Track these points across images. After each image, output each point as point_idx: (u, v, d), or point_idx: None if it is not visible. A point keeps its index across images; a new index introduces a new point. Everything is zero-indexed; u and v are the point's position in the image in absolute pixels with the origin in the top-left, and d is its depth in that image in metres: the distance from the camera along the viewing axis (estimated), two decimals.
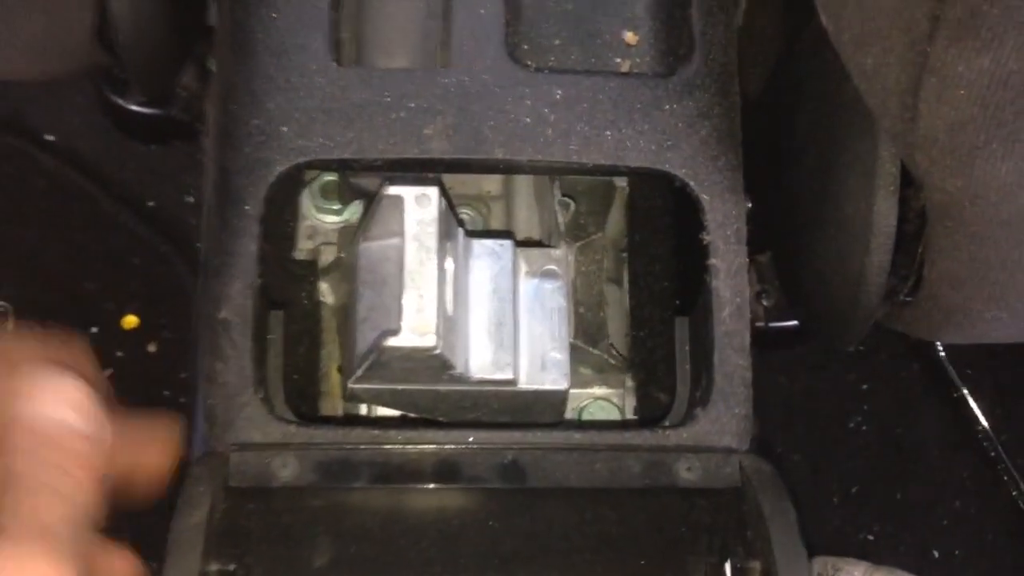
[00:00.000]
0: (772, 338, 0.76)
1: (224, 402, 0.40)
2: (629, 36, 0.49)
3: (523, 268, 0.46)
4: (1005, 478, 0.77)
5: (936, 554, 0.76)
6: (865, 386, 0.79)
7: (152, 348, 0.78)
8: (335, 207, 0.52)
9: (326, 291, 0.51)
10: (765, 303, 0.72)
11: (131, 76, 0.53)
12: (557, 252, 0.46)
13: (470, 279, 0.43)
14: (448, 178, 0.53)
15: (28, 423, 0.34)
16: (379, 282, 0.39)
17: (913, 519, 0.77)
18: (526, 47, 0.47)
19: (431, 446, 0.40)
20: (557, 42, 0.47)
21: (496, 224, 0.55)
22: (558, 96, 0.44)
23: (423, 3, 0.46)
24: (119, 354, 0.78)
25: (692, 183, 0.44)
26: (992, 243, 0.39)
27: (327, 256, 0.51)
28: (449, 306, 0.39)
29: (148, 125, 0.79)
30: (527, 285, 0.45)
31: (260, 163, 0.43)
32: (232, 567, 0.37)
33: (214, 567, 0.36)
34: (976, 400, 0.78)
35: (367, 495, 0.40)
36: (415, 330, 0.36)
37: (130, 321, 0.78)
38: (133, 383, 0.76)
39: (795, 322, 0.75)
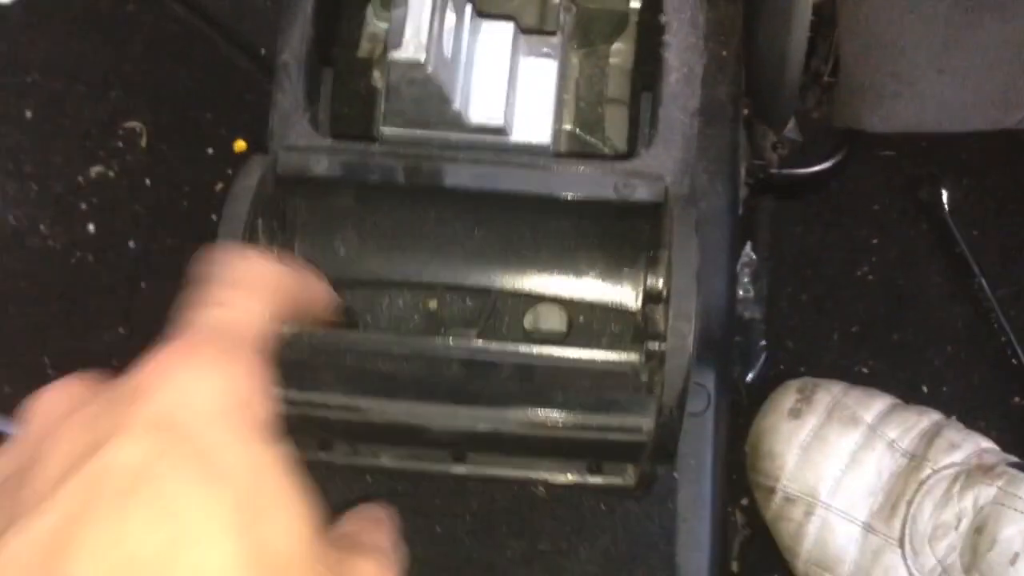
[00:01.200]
0: (785, 185, 0.85)
1: (280, 120, 0.53)
2: None
3: (523, 47, 0.57)
4: (996, 328, 0.84)
5: (925, 389, 0.84)
6: (875, 241, 0.87)
7: None
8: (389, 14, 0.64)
9: (378, 78, 0.64)
10: (779, 152, 0.81)
11: None
12: (554, 39, 0.57)
13: (475, 47, 0.55)
14: (496, 5, 0.64)
15: None
16: (397, 37, 0.51)
17: (906, 358, 0.85)
18: None
19: (438, 162, 0.52)
20: None
21: None
22: None
23: None
24: (230, 171, 0.93)
25: None
26: (887, 21, 0.48)
27: (379, 53, 0.63)
28: (447, 48, 0.50)
29: None
30: (525, 62, 0.56)
31: None
32: (273, 223, 0.50)
33: (260, 221, 0.49)
34: (977, 258, 0.85)
35: (380, 192, 0.52)
36: (409, 45, 0.48)
37: (240, 145, 0.93)
38: None
39: (806, 170, 0.84)
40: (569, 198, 0.51)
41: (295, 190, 0.52)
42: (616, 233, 0.52)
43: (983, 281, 0.85)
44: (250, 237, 0.49)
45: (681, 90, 0.54)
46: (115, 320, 0.91)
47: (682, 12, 0.54)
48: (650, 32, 0.61)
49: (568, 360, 0.50)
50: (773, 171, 0.82)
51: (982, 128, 0.54)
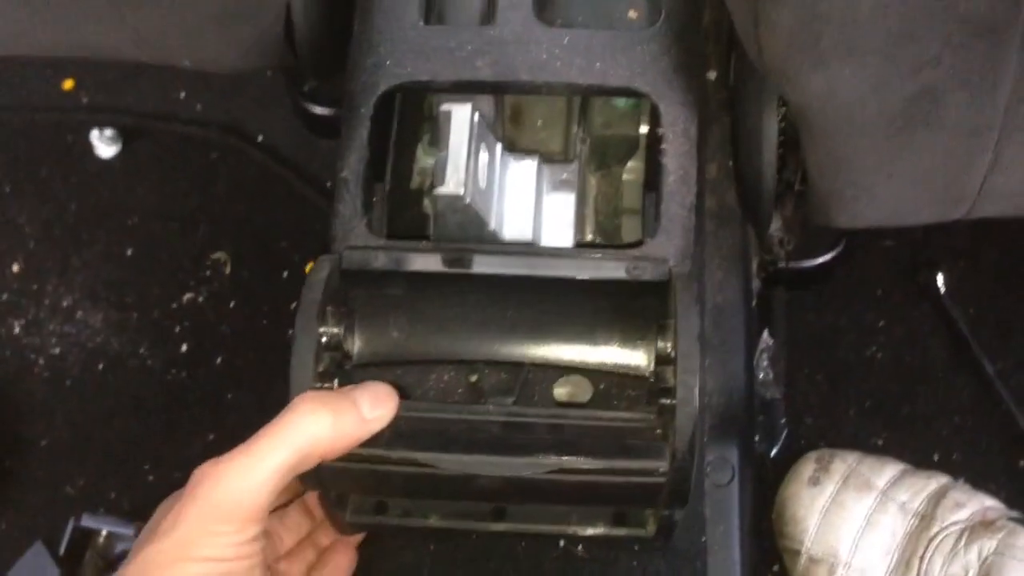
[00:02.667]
0: (795, 276, 0.95)
1: (341, 226, 0.63)
2: (632, 13, 0.70)
3: (546, 174, 0.69)
4: (999, 398, 0.92)
5: (936, 457, 0.92)
6: (881, 323, 0.96)
7: None
8: (435, 151, 0.76)
9: (428, 206, 0.75)
10: (786, 248, 0.92)
11: (305, 67, 0.79)
12: (572, 166, 0.69)
13: (506, 178, 0.66)
14: (525, 138, 0.76)
15: None
16: (441, 176, 0.62)
17: (917, 429, 0.93)
18: (554, 17, 0.68)
19: (475, 253, 0.60)
20: (580, 18, 0.69)
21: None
22: (566, 41, 0.66)
23: None
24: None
25: (653, 96, 0.64)
26: (838, 139, 0.58)
27: (429, 183, 0.75)
28: (481, 181, 0.62)
29: (329, 125, 1.07)
30: (549, 185, 0.68)
31: (372, 84, 0.67)
32: (341, 308, 0.59)
33: (329, 308, 0.57)
34: (975, 334, 0.94)
35: (427, 282, 0.60)
36: (450, 182, 0.59)
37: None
38: None
39: (812, 262, 0.94)
40: (587, 280, 0.60)
41: (356, 282, 0.61)
42: (630, 310, 0.60)
43: (982, 355, 0.93)
44: (322, 320, 0.57)
45: (678, 189, 0.63)
46: (205, 429, 1.03)
47: (676, 125, 0.64)
48: (652, 143, 0.71)
49: (592, 419, 0.58)
50: (782, 264, 0.93)
51: (934, 221, 0.64)
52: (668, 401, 0.55)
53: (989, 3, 0.51)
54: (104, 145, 1.11)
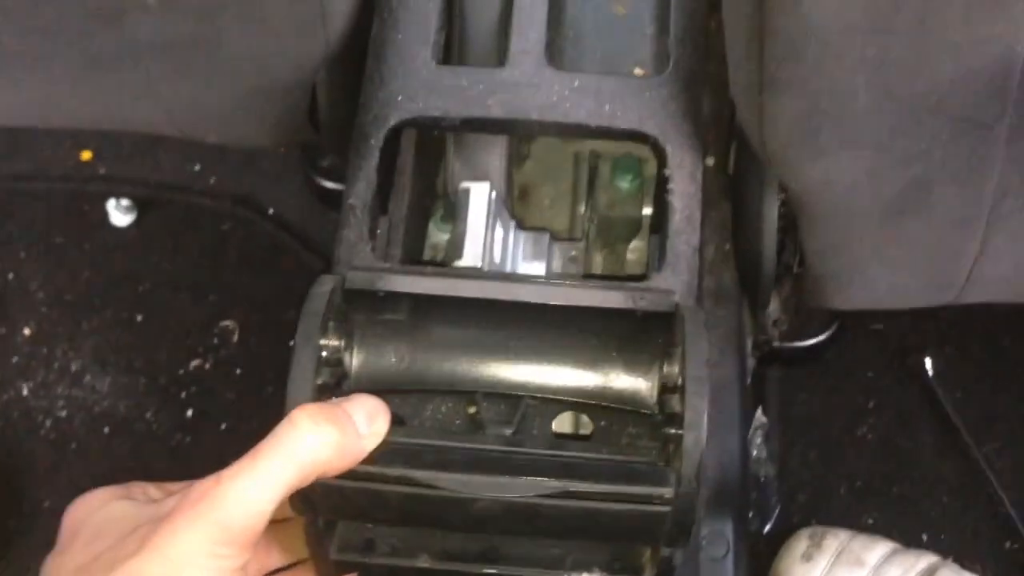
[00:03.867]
0: (788, 355, 0.98)
1: (346, 251, 0.63)
2: (639, 71, 0.73)
3: (556, 250, 0.72)
4: (985, 479, 0.95)
5: (925, 537, 0.95)
6: (871, 404, 0.99)
7: None
8: (449, 227, 0.80)
9: None
10: (779, 328, 0.95)
11: (326, 143, 0.82)
12: (579, 244, 0.73)
13: (519, 251, 0.70)
14: (534, 216, 0.79)
15: None
16: (459, 248, 0.65)
17: (907, 509, 0.95)
18: (564, 64, 0.71)
19: (479, 279, 0.59)
20: (590, 69, 0.72)
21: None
22: (576, 84, 0.68)
23: (492, 24, 0.72)
24: None
25: (660, 139, 0.66)
26: (834, 225, 0.62)
27: (441, 256, 0.79)
28: (497, 255, 0.65)
29: (339, 199, 1.10)
30: (556, 262, 0.72)
31: (383, 117, 0.68)
32: (341, 321, 0.57)
33: (331, 323, 0.55)
34: (962, 417, 0.97)
35: (430, 307, 0.58)
36: (468, 257, 0.62)
37: None
38: None
39: (804, 343, 0.98)
40: (591, 309, 0.58)
41: (358, 305, 0.59)
42: (633, 341, 0.59)
43: (969, 438, 0.96)
44: (323, 332, 0.55)
45: (684, 227, 0.64)
46: None
47: (683, 167, 0.66)
48: (659, 185, 0.71)
49: (592, 451, 0.56)
50: (776, 344, 0.96)
51: (925, 305, 0.67)
52: (673, 431, 0.54)
53: (976, 102, 0.55)
54: (119, 214, 1.14)
